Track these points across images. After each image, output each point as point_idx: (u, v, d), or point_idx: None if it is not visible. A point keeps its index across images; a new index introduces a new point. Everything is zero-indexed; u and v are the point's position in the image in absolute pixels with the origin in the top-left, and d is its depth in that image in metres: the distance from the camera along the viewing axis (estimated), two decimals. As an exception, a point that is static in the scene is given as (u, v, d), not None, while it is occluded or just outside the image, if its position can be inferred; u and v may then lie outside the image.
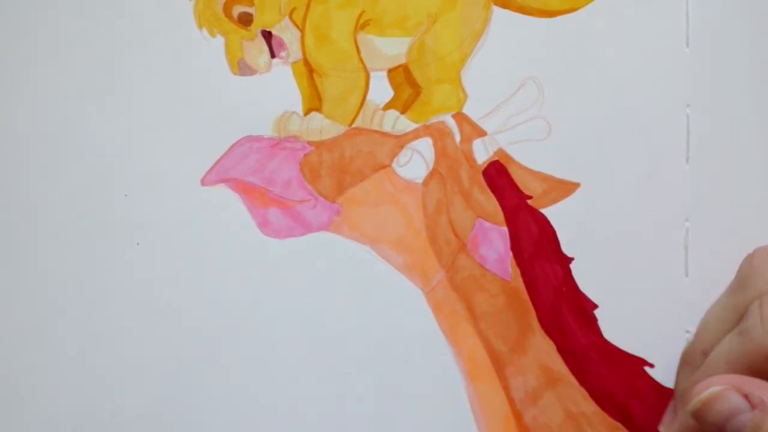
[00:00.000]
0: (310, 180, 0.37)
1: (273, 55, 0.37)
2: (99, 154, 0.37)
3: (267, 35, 0.37)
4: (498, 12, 0.37)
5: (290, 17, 0.37)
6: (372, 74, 0.37)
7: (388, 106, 0.37)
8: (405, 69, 0.37)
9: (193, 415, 0.37)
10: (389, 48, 0.37)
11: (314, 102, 0.37)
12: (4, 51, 0.37)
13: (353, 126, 0.37)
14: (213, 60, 0.37)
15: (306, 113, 0.37)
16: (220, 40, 0.37)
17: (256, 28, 0.37)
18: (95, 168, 0.37)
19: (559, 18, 0.36)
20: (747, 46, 0.36)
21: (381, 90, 0.37)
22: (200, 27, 0.37)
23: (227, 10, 0.37)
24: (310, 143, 0.37)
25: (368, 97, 0.37)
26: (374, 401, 0.36)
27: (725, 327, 0.29)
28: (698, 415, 0.28)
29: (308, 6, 0.37)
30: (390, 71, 0.37)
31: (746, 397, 0.27)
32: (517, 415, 0.36)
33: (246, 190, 0.37)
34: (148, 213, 0.37)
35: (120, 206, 0.37)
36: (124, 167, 0.37)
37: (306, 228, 0.37)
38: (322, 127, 0.37)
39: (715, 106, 0.36)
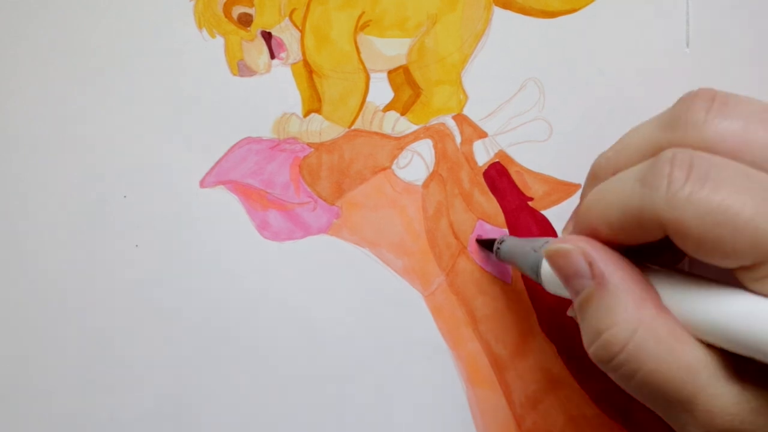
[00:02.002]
0: (310, 182, 0.37)
1: (273, 56, 0.37)
2: (98, 155, 0.37)
3: (267, 36, 0.37)
4: (499, 13, 0.36)
5: (290, 18, 0.37)
6: (372, 75, 0.37)
7: (388, 108, 0.37)
8: (405, 70, 0.37)
9: (192, 416, 0.37)
10: (389, 49, 0.37)
11: (314, 103, 0.37)
12: (3, 51, 0.37)
13: (353, 128, 0.37)
14: (213, 61, 0.37)
15: (306, 115, 0.37)
16: (219, 41, 0.37)
17: (256, 28, 0.37)
18: (94, 169, 0.37)
19: (560, 19, 0.36)
20: (747, 46, 0.36)
21: (381, 91, 0.37)
22: (200, 27, 0.37)
23: (227, 10, 0.37)
24: (309, 145, 0.37)
25: (368, 98, 0.37)
26: (374, 405, 0.36)
27: (639, 158, 0.27)
28: (550, 265, 0.29)
29: (308, 7, 0.37)
30: (390, 72, 0.37)
31: (590, 265, 0.27)
32: (518, 419, 0.36)
33: (245, 192, 0.37)
34: (147, 214, 0.37)
35: (119, 208, 0.37)
36: (124, 169, 0.37)
37: (305, 231, 0.37)
38: (321, 128, 0.37)
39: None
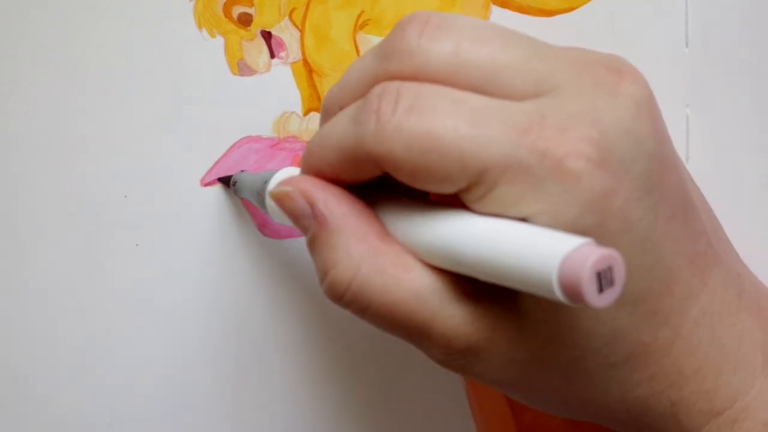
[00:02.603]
0: (310, 181, 0.37)
1: (272, 56, 0.37)
2: (98, 155, 0.37)
3: (266, 36, 0.37)
4: (497, 11, 0.37)
5: (290, 18, 0.37)
6: (371, 74, 0.37)
7: (387, 107, 0.37)
8: (405, 69, 0.37)
9: (193, 416, 0.37)
10: (389, 48, 0.37)
11: (314, 102, 0.37)
12: (3, 51, 0.37)
13: (353, 126, 0.37)
14: (213, 60, 0.37)
15: (305, 113, 0.37)
16: (219, 41, 0.37)
17: (256, 28, 0.37)
18: (94, 169, 0.37)
19: (558, 17, 0.36)
20: (747, 46, 0.36)
21: (381, 90, 0.37)
22: (200, 27, 0.37)
23: (227, 10, 0.37)
24: (309, 144, 0.37)
25: (368, 97, 0.37)
26: (373, 405, 0.36)
27: (360, 92, 0.27)
28: (274, 202, 0.29)
29: (308, 6, 0.37)
30: (389, 71, 0.37)
31: (312, 205, 0.27)
32: (517, 416, 0.36)
33: (246, 190, 0.37)
34: (147, 214, 0.37)
35: (119, 207, 0.37)
36: (124, 168, 0.37)
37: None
38: (321, 127, 0.37)
39: (715, 106, 0.36)
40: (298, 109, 0.37)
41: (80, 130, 0.37)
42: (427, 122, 0.24)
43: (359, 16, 0.37)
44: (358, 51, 0.37)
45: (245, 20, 0.37)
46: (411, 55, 0.25)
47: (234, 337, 0.37)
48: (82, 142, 0.37)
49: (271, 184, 0.30)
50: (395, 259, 0.26)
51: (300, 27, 0.37)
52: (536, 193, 0.23)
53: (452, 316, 0.26)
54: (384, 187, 0.28)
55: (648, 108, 0.25)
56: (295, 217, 0.28)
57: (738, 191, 0.35)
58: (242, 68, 0.37)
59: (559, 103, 0.24)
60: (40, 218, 0.37)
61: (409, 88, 0.25)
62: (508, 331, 0.26)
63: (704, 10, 0.36)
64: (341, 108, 0.28)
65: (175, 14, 0.37)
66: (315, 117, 0.37)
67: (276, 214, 0.30)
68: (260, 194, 0.31)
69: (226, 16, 0.37)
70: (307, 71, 0.37)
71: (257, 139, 0.37)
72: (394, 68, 0.26)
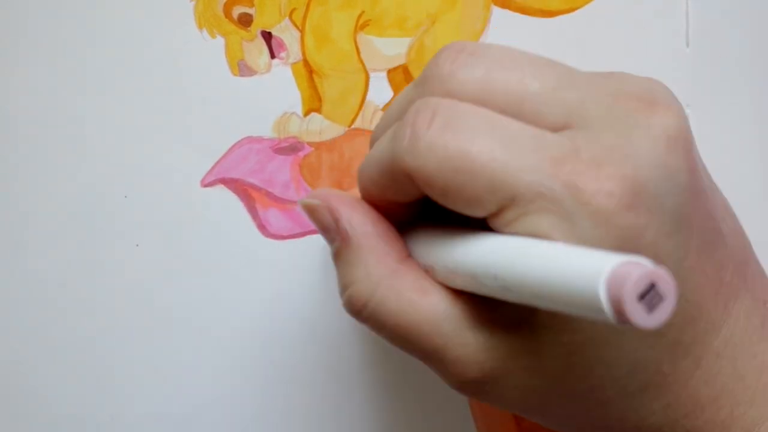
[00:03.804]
0: (310, 181, 0.37)
1: (273, 56, 0.37)
2: (98, 155, 0.37)
3: (267, 36, 0.37)
4: (498, 12, 0.37)
5: (290, 18, 0.37)
6: (372, 75, 0.37)
7: (387, 107, 0.37)
8: (405, 69, 0.37)
9: (193, 417, 0.37)
10: (389, 48, 0.37)
11: (314, 103, 0.37)
12: (3, 51, 0.37)
13: (353, 127, 0.37)
14: (213, 61, 0.37)
15: (306, 114, 0.37)
16: (220, 41, 0.37)
17: (256, 28, 0.37)
18: (95, 169, 0.37)
19: (559, 18, 0.36)
20: (747, 46, 0.36)
21: (381, 90, 0.37)
22: (200, 27, 0.37)
23: (227, 10, 0.37)
24: (309, 144, 0.37)
25: (368, 97, 0.37)
26: (373, 405, 0.36)
27: (398, 118, 0.27)
28: (305, 211, 0.29)
29: (308, 7, 0.37)
30: (390, 72, 0.37)
31: (336, 222, 0.28)
32: (518, 417, 0.36)
33: (246, 191, 0.37)
34: (148, 214, 0.37)
35: (119, 207, 0.37)
36: (124, 168, 0.37)
37: (306, 229, 0.37)
38: (321, 128, 0.37)
39: (715, 106, 0.36)
40: (299, 109, 0.37)
41: (80, 130, 0.37)
42: (461, 141, 0.24)
43: (360, 16, 0.37)
44: (358, 51, 0.37)
45: (245, 20, 0.37)
46: (443, 81, 0.26)
47: (233, 337, 0.37)
48: (82, 142, 0.37)
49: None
50: (413, 282, 0.26)
51: (300, 27, 0.37)
52: (566, 225, 0.23)
53: (466, 344, 0.25)
54: (426, 213, 0.28)
55: (682, 140, 0.25)
56: (321, 229, 0.29)
57: (738, 191, 0.35)
58: (242, 69, 0.37)
59: (592, 136, 0.24)
60: (41, 218, 0.37)
61: (446, 105, 0.25)
62: (524, 360, 0.25)
63: (704, 10, 0.36)
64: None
65: (175, 14, 0.37)
66: (315, 118, 0.37)
67: None
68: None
69: (226, 17, 0.37)
70: (308, 72, 0.37)
71: (257, 139, 0.37)
72: (429, 92, 0.26)
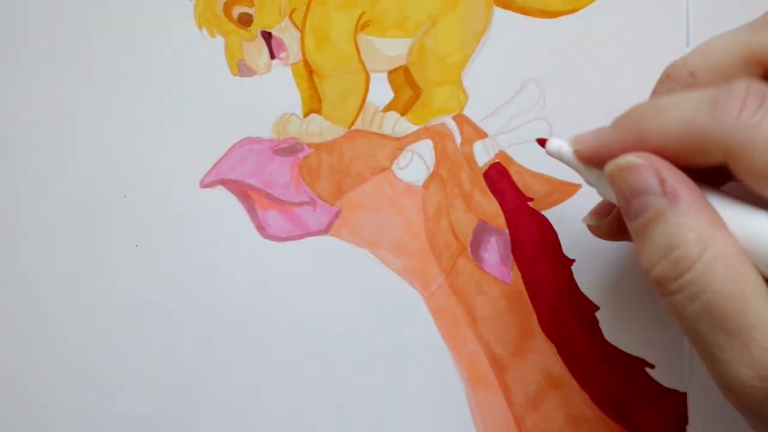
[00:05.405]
0: (310, 182, 0.37)
1: (273, 56, 0.37)
2: (98, 155, 0.37)
3: (267, 36, 0.37)
4: (499, 13, 0.36)
5: (290, 18, 0.37)
6: (372, 76, 0.37)
7: (388, 108, 0.37)
8: (405, 70, 0.37)
9: (192, 418, 0.37)
10: (389, 49, 0.37)
11: (314, 103, 0.37)
12: (3, 51, 0.37)
13: (353, 128, 0.37)
14: (213, 61, 0.37)
15: (305, 115, 0.37)
16: (219, 41, 0.37)
17: (256, 28, 0.37)
18: (95, 169, 0.37)
19: (561, 18, 0.36)
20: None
21: (381, 91, 0.37)
22: (200, 27, 0.37)
23: (227, 10, 0.37)
24: (309, 145, 0.37)
25: (368, 98, 0.37)
26: (373, 406, 0.36)
27: (724, 61, 0.26)
28: (611, 179, 0.27)
29: (308, 7, 0.37)
30: (390, 72, 0.37)
31: (662, 182, 0.26)
32: (518, 420, 0.36)
33: (245, 192, 0.37)
34: (147, 214, 0.37)
35: (119, 208, 0.37)
36: (124, 169, 0.37)
37: (305, 231, 0.37)
38: (321, 128, 0.37)
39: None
40: (298, 110, 0.37)
41: (80, 131, 0.37)
42: None
43: (360, 17, 0.37)
44: (358, 52, 0.37)
45: (245, 20, 0.37)
46: None
47: (233, 337, 0.37)
48: (83, 142, 0.37)
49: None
50: (738, 252, 0.25)
51: (300, 27, 0.37)
52: None
53: None
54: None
55: None
56: (637, 191, 0.26)
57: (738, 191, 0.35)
58: (242, 69, 0.37)
59: None
60: (41, 218, 0.37)
61: None
62: None
63: (704, 10, 0.36)
64: (692, 74, 0.27)
65: (175, 14, 0.37)
66: (315, 118, 0.37)
67: (599, 184, 0.28)
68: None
69: (226, 16, 0.37)
70: (308, 72, 0.37)
71: (257, 140, 0.37)
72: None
